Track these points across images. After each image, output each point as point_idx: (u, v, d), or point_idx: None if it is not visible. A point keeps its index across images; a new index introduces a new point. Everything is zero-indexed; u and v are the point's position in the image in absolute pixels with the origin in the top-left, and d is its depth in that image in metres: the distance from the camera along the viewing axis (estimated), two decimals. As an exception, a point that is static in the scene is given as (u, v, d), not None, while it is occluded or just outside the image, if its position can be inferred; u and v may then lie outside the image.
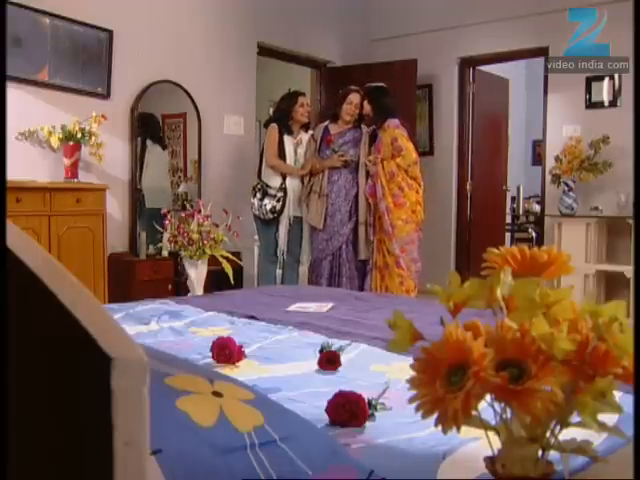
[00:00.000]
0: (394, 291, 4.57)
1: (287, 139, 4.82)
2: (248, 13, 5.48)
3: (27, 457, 0.62)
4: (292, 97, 4.85)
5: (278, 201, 4.74)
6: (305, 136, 5.00)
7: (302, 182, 4.88)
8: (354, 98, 4.78)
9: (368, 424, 1.34)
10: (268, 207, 4.73)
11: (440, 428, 0.73)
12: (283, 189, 4.76)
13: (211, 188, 5.13)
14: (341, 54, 6.36)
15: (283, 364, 1.82)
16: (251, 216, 4.94)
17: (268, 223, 4.80)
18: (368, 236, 4.74)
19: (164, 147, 5.10)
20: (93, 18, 4.36)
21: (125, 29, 4.53)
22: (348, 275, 4.73)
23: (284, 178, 4.80)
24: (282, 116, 4.82)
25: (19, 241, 0.68)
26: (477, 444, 1.13)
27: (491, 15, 5.86)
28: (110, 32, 4.44)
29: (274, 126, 4.80)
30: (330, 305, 2.76)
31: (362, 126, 4.85)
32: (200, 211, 4.30)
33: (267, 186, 4.78)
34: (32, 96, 4.07)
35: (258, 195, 4.78)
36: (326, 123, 4.92)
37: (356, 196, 4.78)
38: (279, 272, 4.98)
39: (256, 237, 5.20)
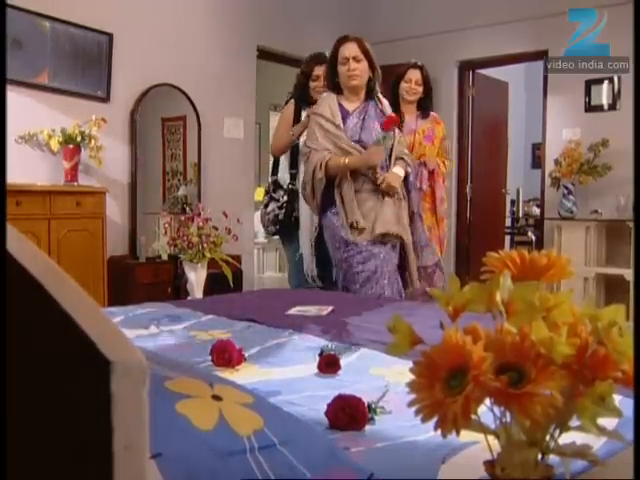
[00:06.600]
0: None
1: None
2: (247, 17, 5.49)
3: (26, 461, 0.62)
4: (308, 65, 3.81)
5: (281, 208, 3.84)
6: None
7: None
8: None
9: (368, 428, 1.34)
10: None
11: (439, 432, 0.73)
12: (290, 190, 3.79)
13: (211, 191, 5.13)
14: (341, 57, 6.36)
15: (283, 367, 1.82)
16: (251, 218, 4.94)
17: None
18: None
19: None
20: (93, 21, 4.37)
21: (125, 32, 4.53)
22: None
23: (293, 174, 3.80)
24: (300, 93, 3.84)
25: (19, 244, 0.68)
26: (477, 448, 1.12)
27: (490, 18, 5.87)
28: (110, 35, 4.45)
29: (291, 103, 3.89)
30: (330, 308, 2.76)
31: (377, 100, 3.46)
32: (200, 214, 4.29)
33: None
34: (32, 99, 4.08)
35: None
36: (335, 95, 3.41)
37: None
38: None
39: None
